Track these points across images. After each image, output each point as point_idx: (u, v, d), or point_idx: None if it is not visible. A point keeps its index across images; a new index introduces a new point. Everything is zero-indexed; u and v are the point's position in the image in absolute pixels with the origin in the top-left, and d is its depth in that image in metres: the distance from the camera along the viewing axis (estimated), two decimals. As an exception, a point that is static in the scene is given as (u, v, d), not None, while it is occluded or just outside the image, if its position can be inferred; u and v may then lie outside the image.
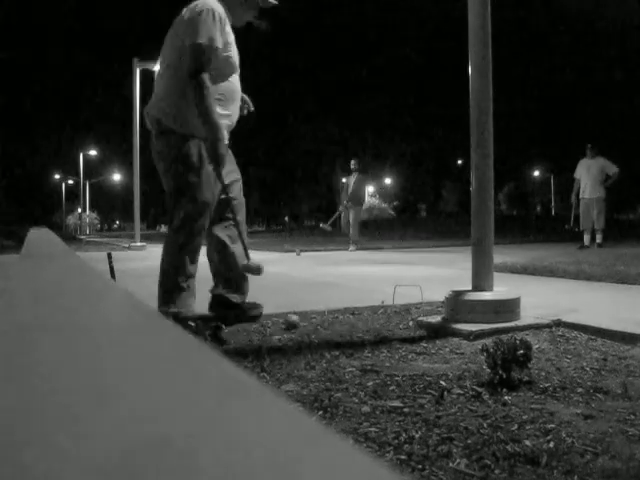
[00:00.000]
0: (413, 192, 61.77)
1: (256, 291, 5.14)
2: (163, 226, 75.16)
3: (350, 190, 12.86)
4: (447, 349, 2.83)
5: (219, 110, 3.26)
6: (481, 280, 3.49)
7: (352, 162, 13.20)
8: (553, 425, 1.78)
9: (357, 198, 12.93)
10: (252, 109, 3.75)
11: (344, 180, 13.71)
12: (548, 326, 3.19)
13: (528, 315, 3.35)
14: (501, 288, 3.58)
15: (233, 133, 3.53)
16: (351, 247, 12.66)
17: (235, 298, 3.60)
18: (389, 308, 3.91)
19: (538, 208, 66.65)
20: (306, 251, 12.07)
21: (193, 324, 3.00)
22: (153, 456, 0.26)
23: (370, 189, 62.81)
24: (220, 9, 3.28)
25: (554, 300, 4.12)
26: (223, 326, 3.09)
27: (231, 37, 3.40)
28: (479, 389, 2.14)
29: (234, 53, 3.43)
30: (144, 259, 10.42)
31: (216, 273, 3.65)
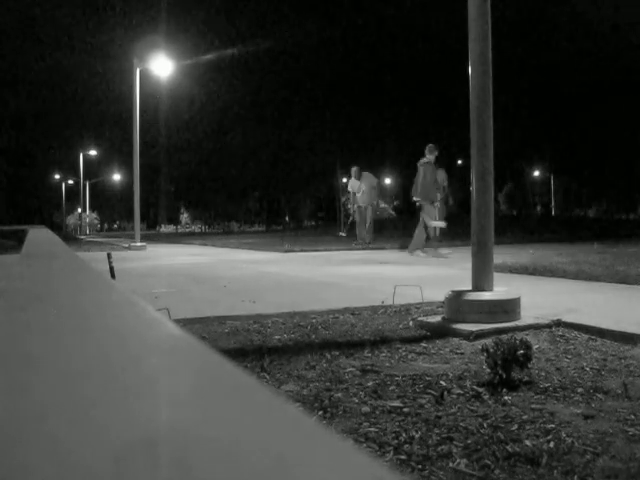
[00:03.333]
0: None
1: (257, 291, 5.15)
2: (163, 226, 74.91)
3: (360, 194, 13.80)
4: (447, 349, 2.83)
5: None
6: (481, 280, 3.49)
7: (353, 170, 14.16)
8: (553, 425, 1.78)
9: (371, 199, 13.99)
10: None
11: (349, 188, 14.58)
12: (548, 326, 3.19)
13: (528, 315, 3.35)
14: (501, 288, 3.58)
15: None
16: (359, 243, 13.64)
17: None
18: (389, 308, 3.91)
19: (538, 208, 66.61)
20: (307, 251, 12.07)
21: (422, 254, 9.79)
22: (152, 455, 0.26)
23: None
24: None
25: (554, 300, 4.12)
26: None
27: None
28: (479, 389, 2.14)
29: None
30: (144, 259, 10.41)
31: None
